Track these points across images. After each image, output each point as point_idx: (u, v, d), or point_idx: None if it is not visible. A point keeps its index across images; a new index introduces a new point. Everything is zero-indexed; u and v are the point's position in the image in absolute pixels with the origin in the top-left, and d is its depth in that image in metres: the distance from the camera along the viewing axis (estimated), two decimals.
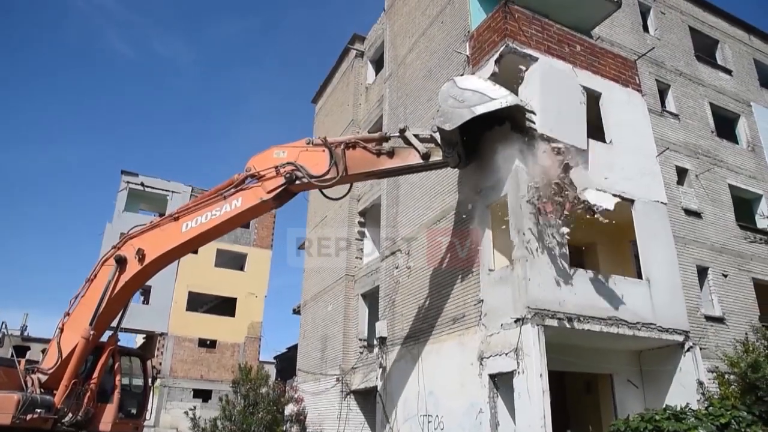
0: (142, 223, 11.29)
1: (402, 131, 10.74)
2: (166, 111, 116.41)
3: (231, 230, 11.42)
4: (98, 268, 10.73)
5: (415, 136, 10.68)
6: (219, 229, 10.66)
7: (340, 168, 10.20)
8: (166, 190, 35.49)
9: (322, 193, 10.91)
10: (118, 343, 12.09)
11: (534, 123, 10.60)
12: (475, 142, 11.56)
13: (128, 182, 34.98)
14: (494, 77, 12.42)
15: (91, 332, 10.15)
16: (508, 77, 12.53)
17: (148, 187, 35.20)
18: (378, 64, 20.50)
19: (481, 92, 10.00)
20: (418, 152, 10.50)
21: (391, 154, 10.52)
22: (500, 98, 9.94)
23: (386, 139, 10.94)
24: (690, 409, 8.89)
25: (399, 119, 16.99)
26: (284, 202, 10.84)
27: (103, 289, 10.32)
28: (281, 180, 10.13)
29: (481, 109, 9.92)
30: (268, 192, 10.22)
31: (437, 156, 10.59)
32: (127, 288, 10.68)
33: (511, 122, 10.92)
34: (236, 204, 10.36)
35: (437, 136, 10.70)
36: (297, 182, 10.24)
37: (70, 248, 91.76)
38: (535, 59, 12.19)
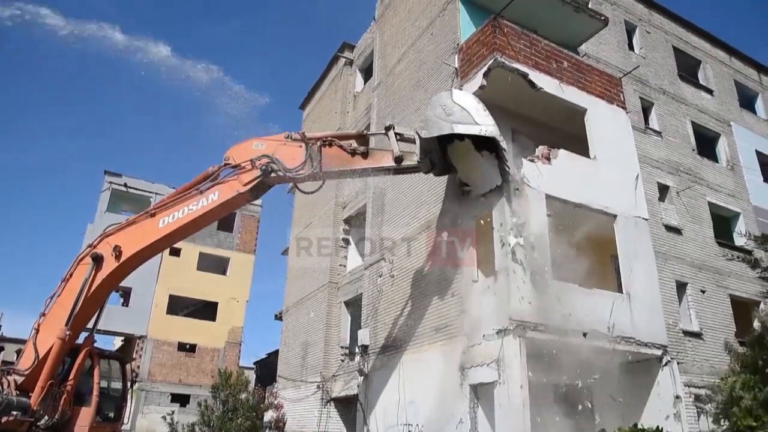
0: None
1: (387, 129, 10.91)
2: (151, 112, 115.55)
3: (209, 224, 11.46)
4: (74, 267, 10.57)
5: (399, 135, 10.81)
6: (196, 223, 10.67)
7: (315, 164, 10.35)
8: (150, 192, 35.11)
9: (297, 187, 11.01)
10: (97, 346, 11.96)
11: (507, 164, 10.77)
12: (462, 153, 11.65)
13: (111, 183, 34.60)
14: (482, 90, 12.60)
15: (67, 332, 9.98)
16: (496, 90, 12.72)
17: (131, 188, 34.86)
18: (367, 72, 20.60)
19: (468, 112, 10.13)
20: (393, 154, 10.64)
21: (365, 154, 10.68)
22: (483, 126, 10.10)
23: (364, 136, 11.20)
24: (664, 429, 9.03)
25: None
26: (260, 195, 10.96)
27: (79, 289, 10.20)
28: (257, 172, 10.25)
29: (460, 129, 10.10)
30: (245, 184, 10.32)
31: (410, 160, 10.73)
32: (103, 286, 10.55)
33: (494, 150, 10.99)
34: (213, 197, 10.41)
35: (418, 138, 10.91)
36: (272, 175, 10.35)
37: (51, 248, 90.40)
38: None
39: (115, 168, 34.06)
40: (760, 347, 9.29)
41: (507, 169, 10.76)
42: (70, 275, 10.56)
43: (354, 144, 10.75)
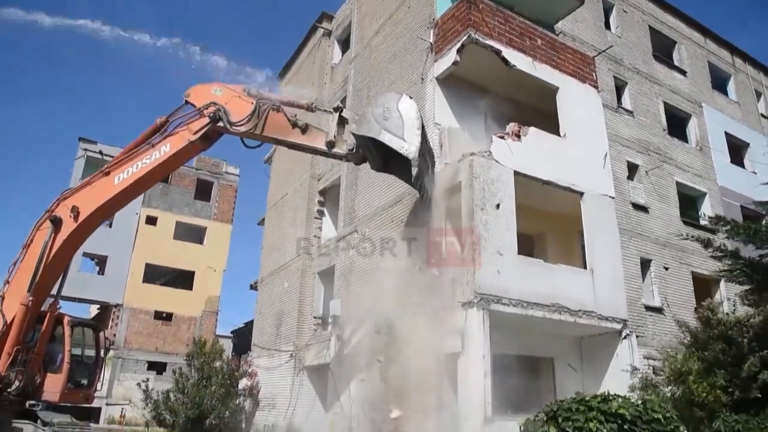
0: None
1: (335, 110, 10.95)
2: (126, 78, 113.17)
3: (164, 176, 11.63)
4: (34, 233, 10.60)
5: (344, 120, 10.77)
6: (151, 176, 10.80)
7: (258, 124, 10.44)
8: None
9: (243, 142, 10.94)
10: (71, 314, 12.06)
11: (420, 186, 10.85)
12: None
13: (86, 150, 34.09)
14: (455, 66, 12.71)
15: (30, 298, 10.05)
16: (469, 66, 12.84)
17: (106, 155, 34.21)
18: (345, 44, 20.46)
19: (403, 124, 10.01)
20: (326, 137, 10.64)
21: (304, 130, 10.70)
22: (407, 143, 9.94)
23: (312, 109, 11.18)
24: (617, 395, 9.44)
25: (362, 101, 17.09)
26: (211, 143, 11.04)
27: (39, 253, 10.24)
28: (206, 120, 10.39)
29: (384, 138, 10.05)
30: (194, 133, 10.45)
31: (341, 149, 10.72)
32: (64, 248, 10.59)
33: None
34: (165, 149, 10.54)
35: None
36: (219, 123, 10.46)
37: (24, 216, 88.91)
38: None
39: (89, 135, 33.45)
40: (707, 325, 9.76)
41: (420, 192, 10.91)
42: (31, 241, 10.59)
43: (298, 116, 10.79)
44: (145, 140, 10.76)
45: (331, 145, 10.61)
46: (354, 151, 10.67)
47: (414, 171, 10.11)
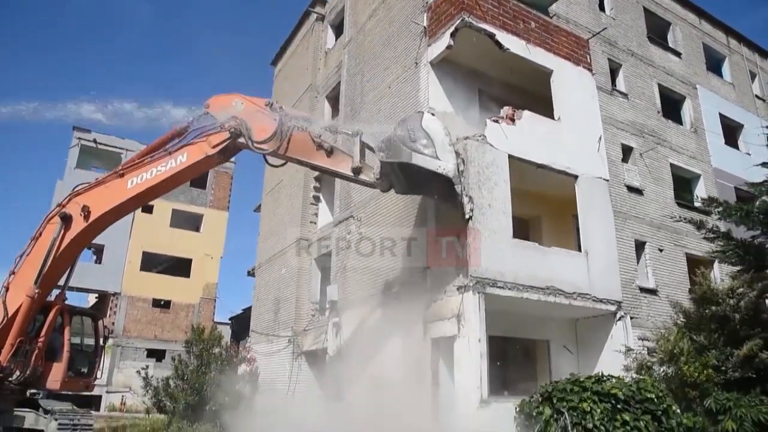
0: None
1: (355, 134, 10.68)
2: (121, 68, 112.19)
3: (178, 185, 11.43)
4: (43, 226, 10.63)
5: (365, 144, 10.51)
6: (165, 184, 10.67)
7: (282, 144, 10.15)
8: (120, 148, 34.55)
9: (266, 160, 10.77)
10: (68, 303, 12.12)
11: (463, 202, 10.49)
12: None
13: (80, 138, 33.90)
14: (449, 50, 12.69)
15: (36, 291, 10.12)
16: (463, 50, 12.81)
17: (101, 144, 34.20)
18: (338, 28, 20.33)
19: (433, 143, 9.76)
20: (351, 163, 10.38)
21: (329, 153, 10.43)
22: (442, 163, 9.75)
23: (335, 131, 11.02)
24: (610, 375, 9.59)
25: (356, 86, 17.07)
26: (229, 157, 10.91)
27: (47, 248, 10.27)
28: (226, 134, 10.11)
29: (418, 160, 9.80)
30: (213, 146, 10.21)
31: (367, 176, 10.49)
32: (72, 245, 10.63)
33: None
34: (181, 159, 10.34)
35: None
36: (240, 140, 10.22)
37: (18, 205, 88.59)
38: None
39: (84, 123, 32.96)
40: (700, 303, 9.88)
41: (463, 209, 10.53)
42: (40, 234, 10.62)
43: (322, 136, 10.47)
44: (162, 145, 10.58)
45: (357, 171, 10.31)
46: (380, 178, 10.38)
47: (458, 188, 9.86)
